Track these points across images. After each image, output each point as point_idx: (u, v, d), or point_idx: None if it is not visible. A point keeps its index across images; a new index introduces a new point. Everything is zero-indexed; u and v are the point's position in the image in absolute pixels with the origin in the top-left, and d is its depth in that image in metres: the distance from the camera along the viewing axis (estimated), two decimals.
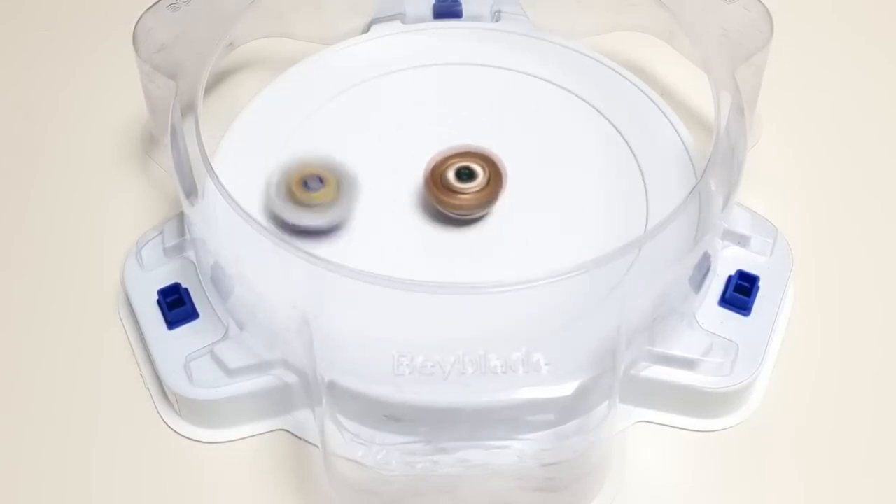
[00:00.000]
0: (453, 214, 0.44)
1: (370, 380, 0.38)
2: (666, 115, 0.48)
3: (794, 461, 0.41)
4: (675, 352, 0.41)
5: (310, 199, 0.43)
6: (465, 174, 0.43)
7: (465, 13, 0.53)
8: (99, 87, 0.53)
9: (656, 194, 0.45)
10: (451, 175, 0.43)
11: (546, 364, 0.39)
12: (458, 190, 0.43)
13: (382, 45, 0.51)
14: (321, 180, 0.43)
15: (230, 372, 0.40)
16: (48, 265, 0.47)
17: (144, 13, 0.46)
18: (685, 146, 0.46)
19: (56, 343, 0.44)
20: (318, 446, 0.39)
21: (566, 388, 0.38)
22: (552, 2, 0.52)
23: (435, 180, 0.43)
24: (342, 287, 0.38)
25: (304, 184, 0.43)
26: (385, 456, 0.37)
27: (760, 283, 0.43)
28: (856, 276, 0.46)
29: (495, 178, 0.44)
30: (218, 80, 0.52)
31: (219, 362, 0.40)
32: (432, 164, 0.44)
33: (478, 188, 0.43)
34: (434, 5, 0.53)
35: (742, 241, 0.44)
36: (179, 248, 0.44)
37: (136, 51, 0.45)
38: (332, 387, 0.38)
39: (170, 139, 0.43)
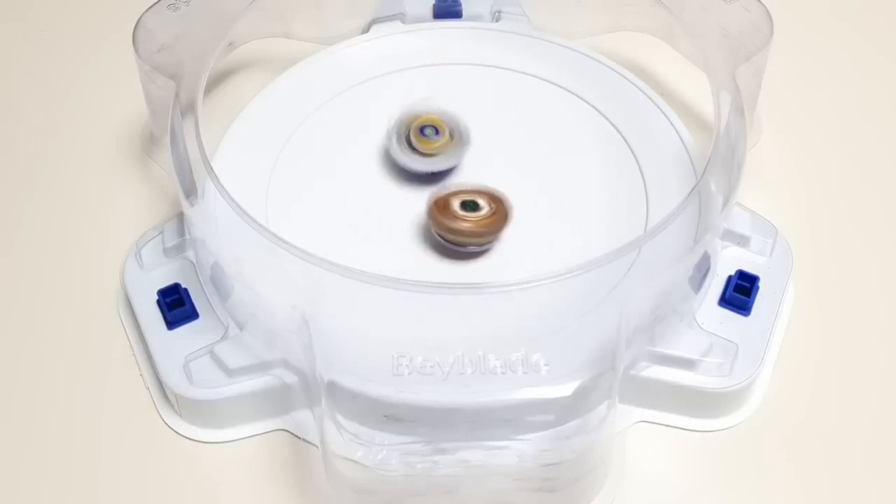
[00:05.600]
0: (457, 248, 0.43)
1: (369, 380, 0.38)
2: (666, 115, 0.48)
3: (794, 461, 0.41)
4: (675, 352, 0.41)
5: (426, 147, 0.45)
6: (470, 205, 0.43)
7: (465, 13, 0.53)
8: (99, 87, 0.53)
9: (656, 194, 0.45)
10: (456, 203, 0.43)
11: (545, 364, 0.39)
12: (458, 216, 0.43)
13: (382, 45, 0.51)
14: (437, 130, 0.45)
15: (230, 372, 0.40)
16: (48, 265, 0.47)
17: (144, 13, 0.46)
18: (685, 146, 0.46)
19: (56, 343, 0.44)
20: (317, 446, 0.40)
21: (566, 389, 0.38)
22: (552, 2, 0.52)
23: (438, 203, 0.43)
24: (342, 287, 0.38)
25: (421, 131, 0.45)
26: (385, 456, 0.37)
27: (760, 284, 0.43)
28: (855, 276, 0.46)
29: (500, 211, 0.43)
30: (218, 80, 0.52)
31: (219, 362, 0.41)
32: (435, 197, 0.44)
33: (482, 217, 0.43)
34: (434, 5, 0.53)
35: (742, 241, 0.44)
36: (179, 248, 0.44)
37: (136, 51, 0.45)
38: (331, 387, 0.38)
39: (170, 139, 0.43)
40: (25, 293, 0.46)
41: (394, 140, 0.45)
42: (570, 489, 0.39)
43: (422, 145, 0.45)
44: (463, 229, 0.42)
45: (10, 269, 0.47)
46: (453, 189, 0.44)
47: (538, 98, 0.49)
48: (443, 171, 0.45)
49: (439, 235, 0.43)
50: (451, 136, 0.45)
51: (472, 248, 0.43)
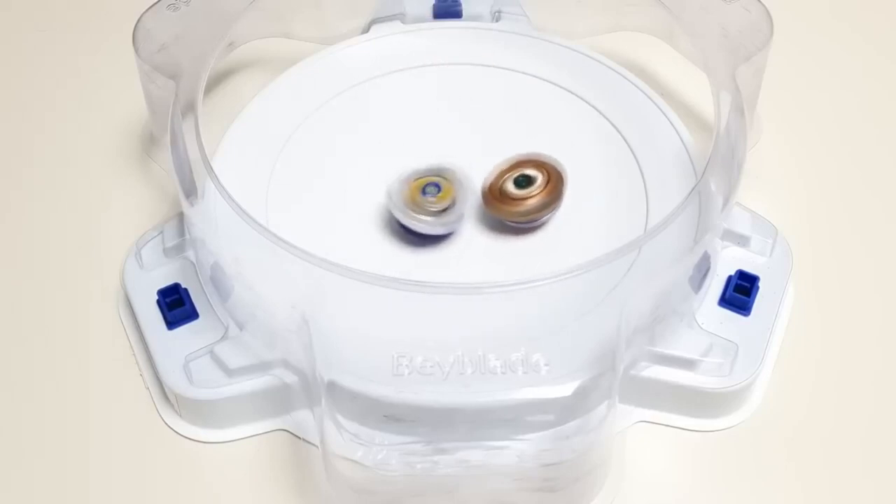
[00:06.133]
0: (517, 224, 0.44)
1: (370, 380, 0.38)
2: (666, 115, 0.48)
3: (794, 461, 0.41)
4: (675, 352, 0.41)
5: (428, 205, 0.43)
6: (523, 181, 0.43)
7: (465, 13, 0.53)
8: (99, 88, 0.53)
9: (656, 194, 0.45)
10: (509, 185, 0.43)
11: (545, 364, 0.39)
12: (518, 197, 0.43)
13: (382, 45, 0.51)
14: (438, 186, 0.43)
15: (230, 372, 0.40)
16: (48, 265, 0.47)
17: (144, 13, 0.46)
18: (685, 146, 0.46)
19: (56, 343, 0.44)
20: (317, 446, 0.40)
21: (565, 389, 0.38)
22: (552, 2, 0.52)
23: (494, 193, 0.43)
24: (342, 287, 0.38)
25: (423, 192, 0.43)
26: (385, 456, 0.37)
27: (760, 283, 0.43)
28: (855, 276, 0.46)
29: (554, 179, 0.43)
30: (218, 80, 0.52)
31: (219, 362, 0.41)
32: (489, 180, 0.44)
33: (537, 191, 0.43)
34: (434, 5, 0.53)
35: (742, 241, 0.44)
36: (179, 248, 0.44)
37: (136, 51, 0.45)
38: (331, 387, 0.38)
39: (170, 139, 0.43)
40: (25, 293, 0.46)
41: (404, 213, 0.43)
42: (570, 489, 0.39)
43: (432, 204, 0.43)
44: (532, 206, 0.43)
45: (10, 269, 0.47)
46: (497, 172, 0.43)
47: (538, 98, 0.49)
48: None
49: (509, 221, 0.43)
50: (451, 181, 0.44)
51: (545, 219, 0.43)
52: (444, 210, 0.43)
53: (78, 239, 0.48)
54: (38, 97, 0.53)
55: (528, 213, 0.43)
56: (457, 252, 0.44)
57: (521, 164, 0.44)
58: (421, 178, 0.43)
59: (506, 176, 0.43)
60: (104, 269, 0.46)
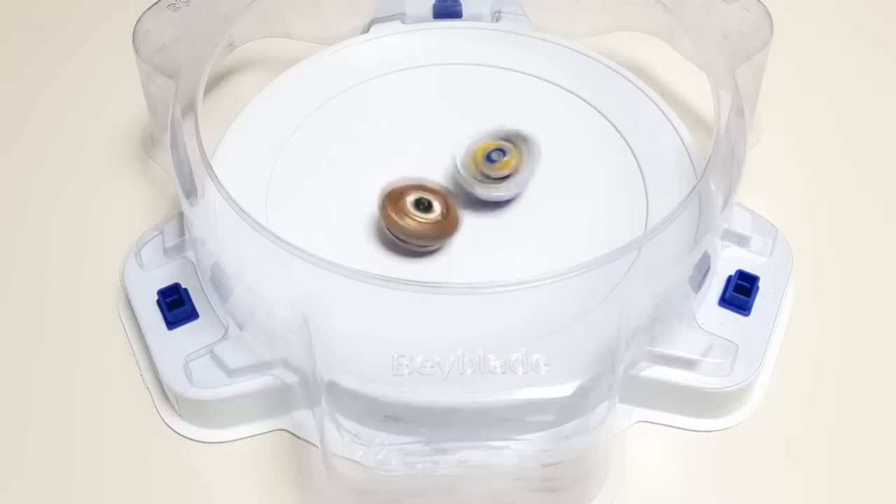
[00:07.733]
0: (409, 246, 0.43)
1: (370, 380, 0.38)
2: (666, 115, 0.48)
3: (794, 461, 0.41)
4: (675, 352, 0.41)
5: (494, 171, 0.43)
6: (424, 205, 0.43)
7: (465, 13, 0.53)
8: (99, 88, 0.53)
9: (656, 194, 0.45)
10: (410, 205, 0.43)
11: (545, 364, 0.39)
12: (413, 216, 0.43)
13: (382, 45, 0.51)
14: (504, 151, 0.43)
15: (230, 372, 0.40)
16: (48, 265, 0.47)
17: (144, 13, 0.46)
18: (685, 146, 0.46)
19: (56, 343, 0.44)
20: (317, 446, 0.40)
21: (565, 389, 0.38)
22: (552, 2, 0.52)
23: (397, 207, 0.43)
24: (342, 287, 0.38)
25: (488, 157, 0.43)
26: (385, 456, 0.37)
27: (760, 283, 0.43)
28: (856, 276, 0.46)
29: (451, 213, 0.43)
30: (218, 80, 0.52)
31: (219, 362, 0.41)
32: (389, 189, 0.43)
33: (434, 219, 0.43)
34: (434, 5, 0.53)
35: (742, 241, 0.44)
36: (179, 248, 0.44)
37: (136, 51, 0.45)
38: (331, 387, 0.38)
39: (170, 139, 0.43)
40: (26, 293, 0.46)
41: (470, 176, 0.44)
42: (570, 489, 0.39)
43: (495, 170, 0.43)
44: (414, 230, 0.42)
45: (10, 269, 0.47)
46: (408, 183, 0.43)
47: (538, 98, 0.49)
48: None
49: (388, 230, 0.43)
50: (519, 148, 0.44)
51: (411, 247, 0.43)
52: (508, 176, 0.43)
53: (78, 239, 0.48)
54: (38, 97, 0.53)
55: (408, 233, 0.42)
56: (457, 252, 0.44)
57: (418, 188, 0.43)
58: (486, 142, 0.44)
59: (413, 193, 0.43)
60: (104, 269, 0.46)
